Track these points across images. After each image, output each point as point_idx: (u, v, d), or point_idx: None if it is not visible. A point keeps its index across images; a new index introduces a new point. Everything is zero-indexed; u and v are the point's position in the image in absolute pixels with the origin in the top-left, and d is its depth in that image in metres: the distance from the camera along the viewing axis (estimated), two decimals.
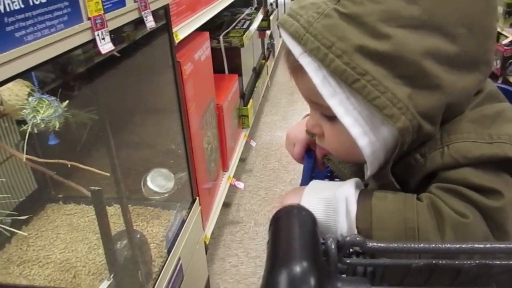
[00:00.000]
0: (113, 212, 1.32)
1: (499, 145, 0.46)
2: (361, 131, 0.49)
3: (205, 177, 1.60)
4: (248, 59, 2.69)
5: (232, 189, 2.11)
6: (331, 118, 0.53)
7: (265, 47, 3.36)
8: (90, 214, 1.32)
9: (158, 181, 1.25)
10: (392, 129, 0.48)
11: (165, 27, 1.15)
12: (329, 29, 0.47)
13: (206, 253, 1.55)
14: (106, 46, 0.78)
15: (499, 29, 3.69)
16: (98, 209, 0.86)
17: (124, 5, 0.86)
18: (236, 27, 2.41)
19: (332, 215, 0.50)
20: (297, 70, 0.52)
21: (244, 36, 2.22)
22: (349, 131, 0.49)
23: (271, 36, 3.57)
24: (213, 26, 2.42)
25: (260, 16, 2.86)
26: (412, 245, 0.35)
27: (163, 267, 1.12)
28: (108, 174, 0.97)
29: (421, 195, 0.49)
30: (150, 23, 0.97)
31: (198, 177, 1.48)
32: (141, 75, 1.39)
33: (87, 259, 1.15)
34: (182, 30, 1.32)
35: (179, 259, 1.23)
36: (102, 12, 0.77)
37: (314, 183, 0.55)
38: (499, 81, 3.63)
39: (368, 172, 0.53)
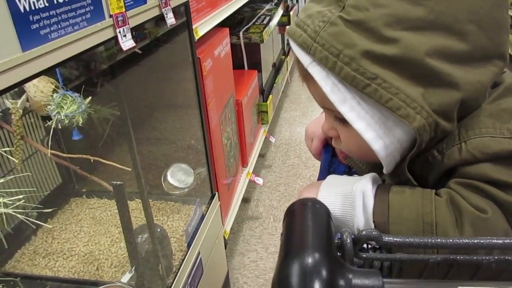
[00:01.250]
0: (135, 206, 1.34)
1: None
2: (375, 135, 0.49)
3: (225, 173, 1.61)
4: (268, 55, 2.69)
5: (252, 184, 2.12)
6: (345, 122, 0.53)
7: (285, 42, 3.35)
8: (113, 208, 1.35)
9: (178, 176, 1.27)
10: (407, 130, 0.48)
11: (186, 23, 1.17)
12: (335, 37, 0.47)
13: (225, 248, 1.56)
14: (127, 43, 0.79)
15: None
16: (120, 203, 0.88)
17: (145, 2, 0.88)
18: (256, 23, 2.41)
19: (349, 209, 0.50)
20: (307, 78, 0.53)
21: (264, 32, 2.22)
22: (362, 136, 0.49)
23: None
24: (233, 22, 2.43)
25: (280, 12, 2.86)
26: (429, 240, 0.35)
27: (183, 260, 1.14)
28: (130, 169, 0.99)
29: (439, 190, 0.48)
30: (171, 20, 0.98)
31: (218, 173, 1.49)
32: (162, 71, 1.41)
33: (109, 252, 1.18)
34: (202, 27, 1.33)
35: (199, 253, 1.24)
36: (123, 9, 0.79)
37: (331, 178, 0.55)
38: None
39: (384, 170, 0.53)
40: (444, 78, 0.46)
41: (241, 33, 2.19)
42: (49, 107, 0.97)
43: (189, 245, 1.20)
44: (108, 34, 0.75)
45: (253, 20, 2.46)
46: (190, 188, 1.28)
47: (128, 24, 0.79)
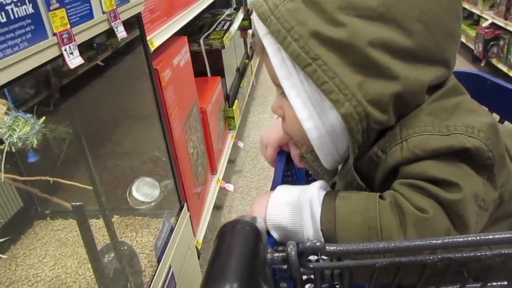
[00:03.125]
0: (102, 224, 1.31)
1: (456, 136, 0.47)
2: (307, 114, 0.50)
3: (193, 182, 1.60)
4: (231, 60, 2.68)
5: (223, 191, 2.11)
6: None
7: (248, 46, 3.36)
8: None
9: (144, 190, 1.25)
10: (339, 116, 0.49)
11: (139, 35, 1.15)
12: (291, 13, 0.49)
13: (199, 258, 1.55)
14: (75, 61, 0.77)
15: (478, 12, 3.71)
16: (82, 225, 0.85)
17: (92, 17, 0.86)
18: (217, 29, 2.40)
19: (298, 219, 0.50)
20: (262, 50, 0.54)
21: (225, 37, 2.21)
22: (296, 113, 0.51)
23: (253, 35, 3.56)
24: (193, 29, 2.41)
25: (241, 16, 2.86)
26: (371, 245, 0.36)
27: (153, 276, 1.12)
28: (91, 188, 0.96)
29: (384, 193, 0.49)
30: (121, 33, 0.96)
31: (185, 183, 1.47)
32: (120, 85, 1.38)
33: (77, 274, 1.15)
34: (158, 37, 1.32)
35: (170, 267, 1.22)
36: (68, 26, 0.77)
37: (280, 188, 0.55)
38: (482, 64, 3.66)
39: (323, 163, 0.54)
40: (383, 69, 0.47)
41: (201, 40, 2.17)
42: (0, 130, 0.94)
43: (159, 260, 1.18)
44: (53, 53, 0.73)
45: (214, 26, 2.45)
46: (156, 202, 1.26)
47: (75, 41, 0.77)
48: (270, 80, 0.57)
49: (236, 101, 2.45)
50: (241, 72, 2.91)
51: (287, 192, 0.54)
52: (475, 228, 0.47)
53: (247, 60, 3.17)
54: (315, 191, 0.50)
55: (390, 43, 0.47)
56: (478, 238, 0.37)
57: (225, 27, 2.44)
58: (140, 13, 1.13)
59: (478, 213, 0.47)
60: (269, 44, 0.51)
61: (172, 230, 1.30)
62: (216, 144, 2.01)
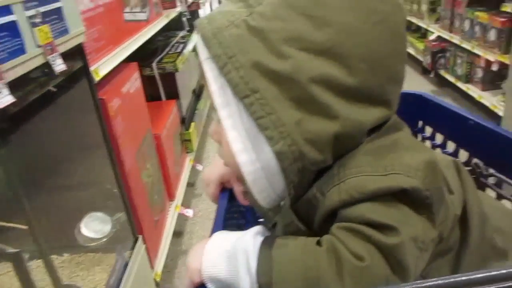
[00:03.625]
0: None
1: (393, 176, 0.45)
2: (242, 147, 0.49)
3: (149, 212, 1.55)
4: (187, 82, 2.66)
5: (183, 217, 2.06)
6: None
7: None
8: None
9: (93, 226, 1.19)
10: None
11: (82, 66, 1.11)
12: (235, 40, 0.47)
13: None
14: (4, 100, 0.73)
15: (425, 26, 3.88)
16: (20, 272, 0.80)
17: (23, 52, 0.81)
18: (170, 52, 2.38)
19: (234, 271, 0.47)
20: (203, 73, 0.52)
21: (178, 60, 2.19)
22: (231, 145, 0.49)
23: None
24: (146, 53, 2.38)
25: (195, 38, 2.85)
26: None
27: None
28: (26, 227, 0.90)
29: (322, 238, 0.47)
30: (59, 66, 0.92)
31: (140, 213, 1.42)
32: (66, 117, 1.32)
33: None
34: (104, 66, 1.28)
35: None
36: None
37: (217, 236, 0.53)
38: (431, 75, 3.81)
39: (259, 202, 0.52)
40: (323, 107, 0.46)
41: (154, 64, 2.14)
42: None
43: None
44: None
45: (167, 49, 2.43)
46: (108, 237, 1.21)
47: (2, 79, 0.73)
48: None
49: (192, 123, 2.42)
50: (198, 94, 2.89)
51: (224, 241, 0.51)
52: (415, 272, 0.46)
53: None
54: (250, 240, 0.48)
55: (333, 81, 0.46)
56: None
57: (178, 50, 2.42)
58: (81, 44, 1.09)
59: (418, 256, 0.46)
60: (209, 69, 0.49)
61: (126, 265, 1.24)
62: (173, 169, 1.97)
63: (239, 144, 0.49)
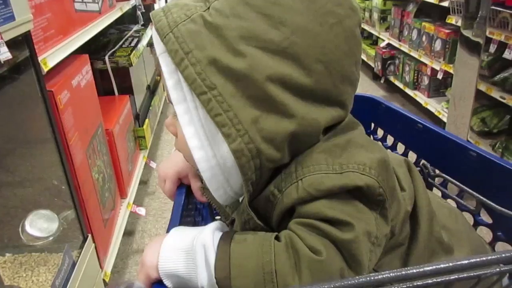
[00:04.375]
0: None
1: (348, 174, 0.46)
2: (198, 144, 0.48)
3: (99, 210, 1.49)
4: (141, 77, 2.60)
5: (135, 215, 2.01)
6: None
7: None
8: None
9: (39, 225, 1.13)
10: None
11: (29, 55, 1.05)
12: (191, 35, 0.46)
13: None
14: None
15: (376, 33, 4.02)
16: None
17: None
18: (123, 46, 2.31)
19: (192, 266, 0.47)
20: (159, 66, 0.50)
21: (132, 55, 2.13)
22: (187, 141, 0.48)
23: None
24: (98, 46, 2.30)
25: (150, 32, 2.78)
26: None
27: None
28: None
29: (280, 233, 0.47)
30: (4, 55, 0.87)
31: (90, 212, 1.37)
32: (12, 109, 1.25)
33: None
34: (53, 56, 1.22)
35: None
36: None
37: (174, 231, 0.52)
38: (382, 81, 3.96)
39: (215, 196, 0.51)
40: (280, 106, 0.46)
41: (107, 58, 2.07)
42: None
43: None
44: None
45: (120, 43, 2.35)
46: (55, 236, 1.15)
47: None
48: None
49: (146, 120, 2.36)
50: (152, 90, 2.83)
51: (182, 236, 0.50)
52: (369, 265, 0.48)
53: (159, 77, 3.09)
54: (209, 235, 0.47)
55: (289, 80, 0.46)
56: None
57: (132, 44, 2.35)
58: (29, 31, 1.03)
59: (371, 250, 0.47)
60: (165, 64, 0.48)
61: (74, 265, 1.19)
62: (125, 166, 1.92)
63: (195, 141, 0.48)
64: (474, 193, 0.66)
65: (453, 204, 0.73)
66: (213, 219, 0.72)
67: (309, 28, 0.47)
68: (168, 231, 0.52)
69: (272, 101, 0.46)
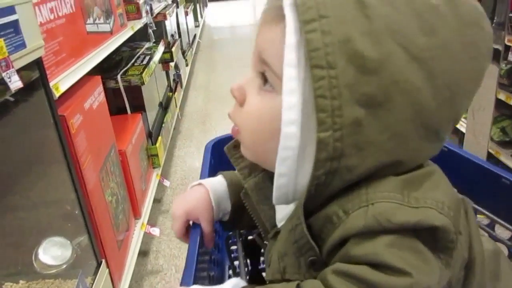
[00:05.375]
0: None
1: (425, 210, 0.41)
2: (293, 119, 0.42)
3: (113, 233, 1.47)
4: (153, 95, 2.59)
5: (149, 235, 1.98)
6: (266, 84, 0.46)
7: (171, 79, 3.29)
8: None
9: (53, 252, 1.11)
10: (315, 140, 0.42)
11: (40, 82, 1.04)
12: (336, 2, 0.41)
13: None
14: None
15: None
16: None
17: None
18: (135, 64, 2.31)
19: None
20: (274, 14, 0.45)
21: (144, 73, 2.13)
22: (283, 112, 0.42)
23: (176, 67, 3.50)
24: (110, 64, 2.30)
25: (161, 49, 2.79)
26: None
27: None
28: None
29: (306, 283, 0.43)
30: (16, 83, 0.86)
31: (103, 236, 1.35)
32: (24, 134, 1.24)
33: None
34: (65, 80, 1.21)
35: None
36: None
37: None
38: None
39: (275, 184, 0.46)
40: (400, 123, 0.42)
41: (119, 77, 2.07)
42: None
43: None
44: None
45: (132, 61, 2.35)
46: (68, 263, 1.13)
47: None
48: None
49: (159, 137, 2.35)
50: (165, 106, 2.83)
51: None
52: None
53: (171, 93, 3.09)
54: None
55: (415, 94, 0.41)
56: None
57: (144, 62, 2.35)
58: (40, 58, 1.02)
59: None
60: (293, 18, 0.42)
61: None
62: (138, 186, 1.90)
63: (291, 114, 0.42)
64: (508, 226, 0.61)
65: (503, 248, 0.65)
66: (232, 263, 0.68)
67: (455, 49, 0.43)
68: (182, 282, 0.48)
69: (384, 109, 0.41)
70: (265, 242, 0.60)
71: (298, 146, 0.43)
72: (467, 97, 0.46)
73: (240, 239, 0.67)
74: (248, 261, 0.70)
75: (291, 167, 0.45)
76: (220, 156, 0.94)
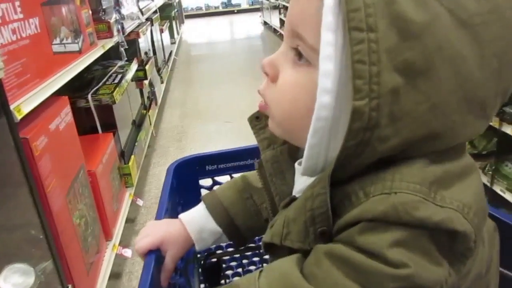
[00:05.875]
0: None
1: (449, 211, 0.39)
2: (330, 87, 0.40)
3: (81, 257, 1.43)
4: (126, 113, 2.57)
5: (122, 256, 1.94)
6: (301, 59, 0.45)
7: (146, 96, 3.27)
8: None
9: (14, 279, 1.07)
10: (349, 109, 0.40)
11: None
12: None
13: None
14: None
15: None
16: None
17: None
18: (107, 83, 2.29)
19: None
20: None
21: (115, 92, 2.11)
22: (319, 80, 0.40)
23: (151, 84, 3.49)
24: (82, 83, 2.27)
25: (134, 67, 2.77)
26: None
27: None
28: None
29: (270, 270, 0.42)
30: None
31: (71, 260, 1.31)
32: None
33: None
34: (29, 102, 1.19)
35: None
36: None
37: None
38: None
39: (305, 154, 0.44)
40: (437, 90, 0.39)
41: (89, 96, 2.04)
42: None
43: None
44: None
45: (104, 80, 2.33)
46: None
47: None
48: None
49: (132, 156, 2.32)
50: (138, 124, 2.80)
51: None
52: None
53: (145, 111, 3.06)
54: None
55: (460, 62, 0.39)
56: None
57: (116, 80, 2.33)
58: (0, 80, 1.00)
59: None
60: None
61: None
62: (109, 207, 1.86)
63: (328, 82, 0.40)
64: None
65: None
66: None
67: (506, 16, 0.40)
68: None
69: (425, 77, 0.39)
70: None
71: (332, 117, 0.41)
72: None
73: (197, 264, 0.66)
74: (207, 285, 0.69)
75: (323, 138, 0.43)
76: (185, 177, 0.94)
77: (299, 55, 0.46)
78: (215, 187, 0.80)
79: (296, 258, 0.46)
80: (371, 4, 0.37)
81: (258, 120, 0.60)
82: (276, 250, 0.50)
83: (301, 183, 0.53)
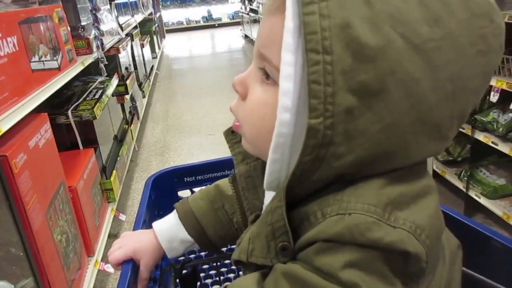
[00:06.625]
0: None
1: (400, 232, 0.40)
2: (289, 105, 0.42)
3: (62, 274, 1.43)
4: (107, 128, 2.57)
5: (104, 273, 1.93)
6: (268, 79, 0.47)
7: (127, 111, 3.27)
8: None
9: None
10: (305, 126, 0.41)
11: None
12: None
13: None
14: None
15: None
16: None
17: None
18: (87, 98, 2.29)
19: None
20: (274, 7, 0.45)
21: (96, 107, 2.12)
22: (279, 98, 0.42)
23: (132, 99, 3.49)
24: (61, 100, 2.27)
25: (115, 82, 2.78)
26: None
27: None
28: None
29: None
30: None
31: (51, 277, 1.31)
32: None
33: None
34: (7, 120, 1.20)
35: None
36: None
37: None
38: None
39: (267, 168, 0.45)
40: (394, 113, 0.40)
41: (69, 112, 2.04)
42: None
43: None
44: None
45: (84, 96, 2.34)
46: None
47: None
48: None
49: (114, 171, 2.32)
50: (120, 139, 2.80)
51: None
52: None
53: (126, 126, 3.07)
54: None
55: (413, 86, 0.40)
56: None
57: (96, 96, 2.34)
58: None
59: None
60: (291, 3, 0.41)
61: None
62: (91, 222, 1.86)
63: (287, 100, 0.42)
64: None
65: None
66: None
67: (459, 42, 0.41)
68: None
69: (379, 104, 0.40)
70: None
71: (293, 134, 0.43)
72: (473, 93, 0.44)
73: (174, 273, 0.68)
74: None
75: (284, 153, 0.45)
76: (164, 189, 0.96)
77: (266, 74, 0.48)
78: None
79: (258, 276, 0.48)
80: (327, 28, 0.39)
81: (234, 135, 0.62)
82: (245, 265, 0.51)
83: (268, 198, 0.55)
